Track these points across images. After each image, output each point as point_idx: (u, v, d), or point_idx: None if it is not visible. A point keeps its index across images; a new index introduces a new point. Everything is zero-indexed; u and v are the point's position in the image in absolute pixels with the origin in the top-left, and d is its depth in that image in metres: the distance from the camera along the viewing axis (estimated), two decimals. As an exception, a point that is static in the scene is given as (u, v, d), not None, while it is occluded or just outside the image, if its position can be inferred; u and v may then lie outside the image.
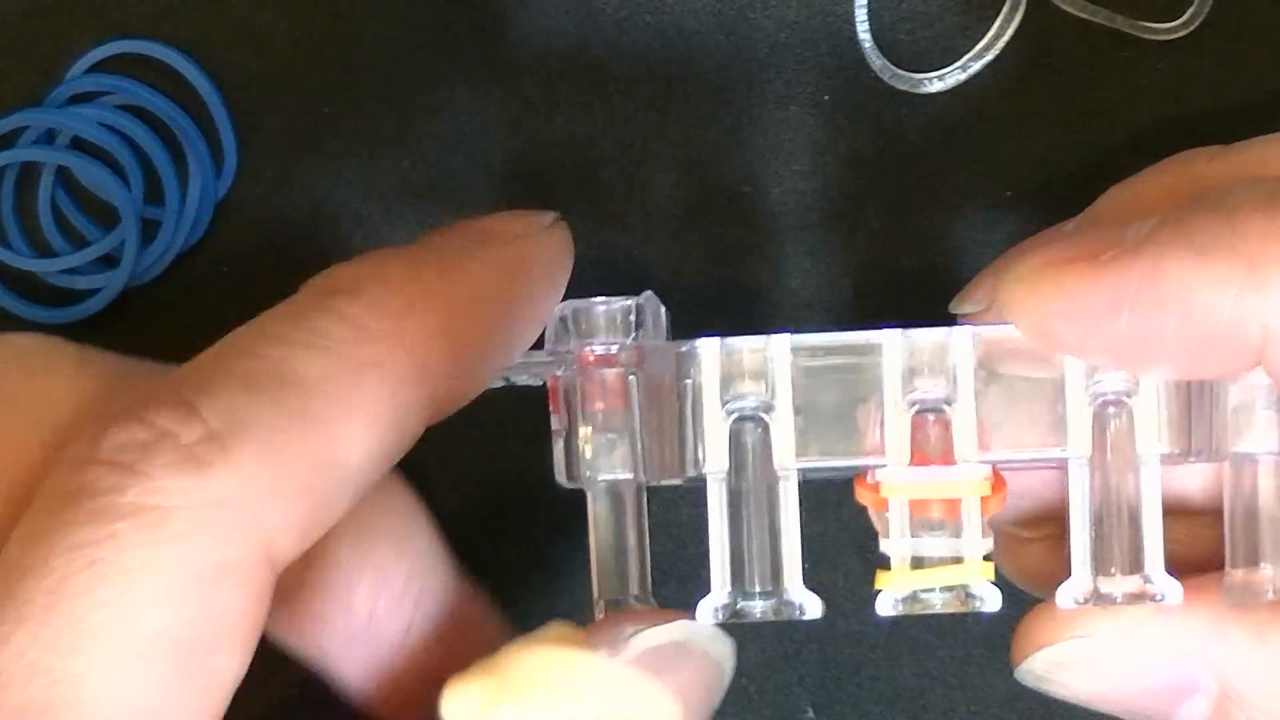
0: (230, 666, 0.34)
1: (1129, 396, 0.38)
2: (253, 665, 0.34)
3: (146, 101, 0.46)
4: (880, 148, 0.46)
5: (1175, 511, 0.40)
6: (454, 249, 0.38)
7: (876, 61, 0.46)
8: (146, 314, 0.47)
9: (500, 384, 0.41)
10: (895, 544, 0.38)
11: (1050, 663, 0.38)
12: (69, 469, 0.34)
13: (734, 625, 0.46)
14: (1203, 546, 0.40)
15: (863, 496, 0.39)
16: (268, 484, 0.34)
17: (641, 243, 0.46)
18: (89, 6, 0.46)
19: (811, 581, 0.43)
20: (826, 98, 0.46)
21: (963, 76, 0.46)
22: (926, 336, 0.38)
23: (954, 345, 0.38)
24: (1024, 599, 0.39)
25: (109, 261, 0.47)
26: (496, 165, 0.46)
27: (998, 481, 0.39)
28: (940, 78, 0.46)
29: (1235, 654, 0.37)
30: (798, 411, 0.38)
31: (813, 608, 0.38)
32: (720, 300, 0.46)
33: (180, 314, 0.47)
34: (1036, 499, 0.41)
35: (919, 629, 0.46)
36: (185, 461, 0.34)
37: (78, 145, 0.46)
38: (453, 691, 0.31)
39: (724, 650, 0.38)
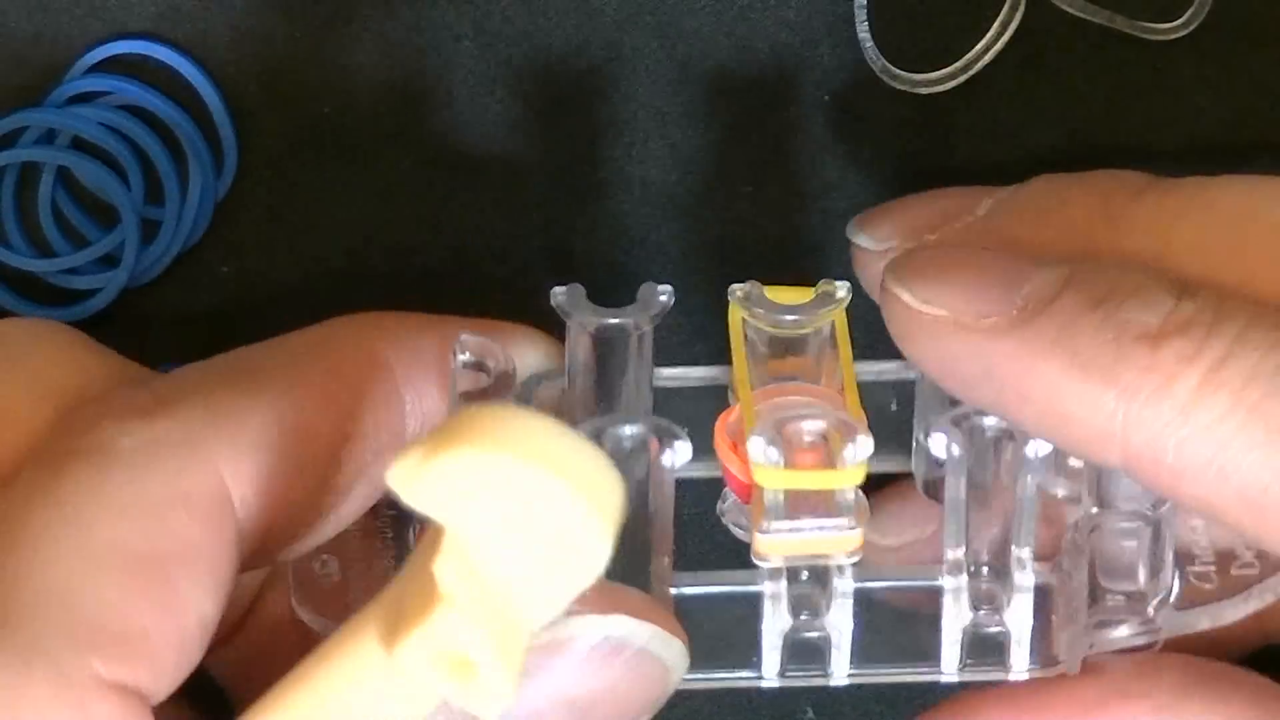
0: (196, 596, 0.35)
1: None
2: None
3: (146, 101, 0.46)
4: (880, 148, 0.46)
5: None
6: None
7: (876, 61, 0.46)
8: (146, 314, 0.47)
9: None
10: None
11: None
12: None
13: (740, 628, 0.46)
14: None
15: (727, 460, 0.38)
16: (212, 428, 0.36)
17: (641, 243, 0.46)
18: (89, 6, 0.46)
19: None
20: (826, 98, 0.46)
21: (963, 76, 0.46)
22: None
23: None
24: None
25: (109, 261, 0.47)
26: (496, 165, 0.46)
27: None
28: (940, 78, 0.46)
29: None
30: None
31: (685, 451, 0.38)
32: (721, 300, 0.46)
33: (180, 314, 0.47)
34: None
35: (919, 629, 0.46)
36: (133, 412, 0.36)
37: (78, 145, 0.46)
38: (398, 459, 0.31)
39: (670, 652, 0.37)
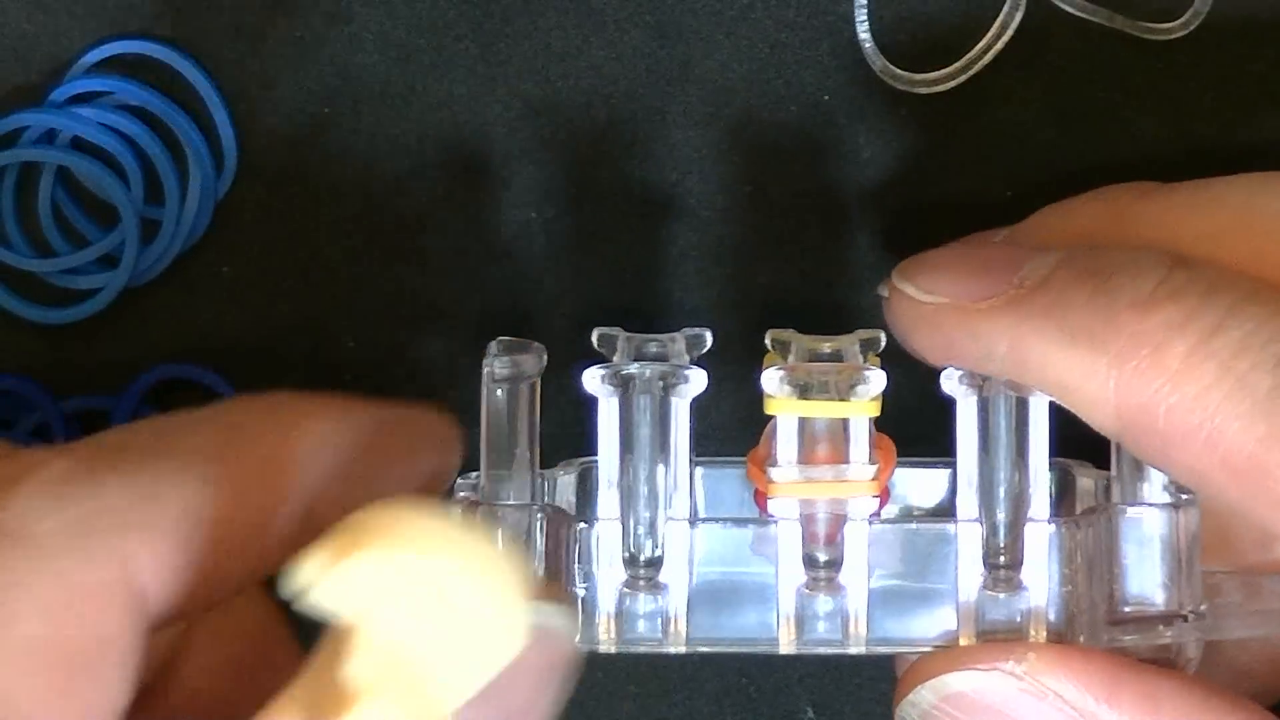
0: (107, 689, 0.34)
1: None
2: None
3: (146, 101, 0.46)
4: (880, 148, 0.46)
5: None
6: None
7: (876, 61, 0.46)
8: (146, 314, 0.47)
9: None
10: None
11: (941, 694, 0.38)
12: None
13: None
14: None
15: (756, 480, 0.39)
16: (130, 514, 0.34)
17: (641, 243, 0.46)
18: (89, 6, 0.46)
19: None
20: (826, 98, 0.46)
21: (963, 76, 0.46)
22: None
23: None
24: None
25: (109, 261, 0.47)
26: (496, 165, 0.46)
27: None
28: (940, 78, 0.46)
29: (1127, 714, 0.37)
30: None
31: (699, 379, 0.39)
32: (721, 301, 0.46)
33: (180, 314, 0.47)
34: None
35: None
36: (51, 486, 0.34)
37: (78, 145, 0.46)
38: (299, 561, 0.31)
39: (552, 616, 0.36)
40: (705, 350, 0.41)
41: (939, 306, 0.37)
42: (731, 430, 0.45)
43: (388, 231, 0.46)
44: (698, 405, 0.43)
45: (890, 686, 0.45)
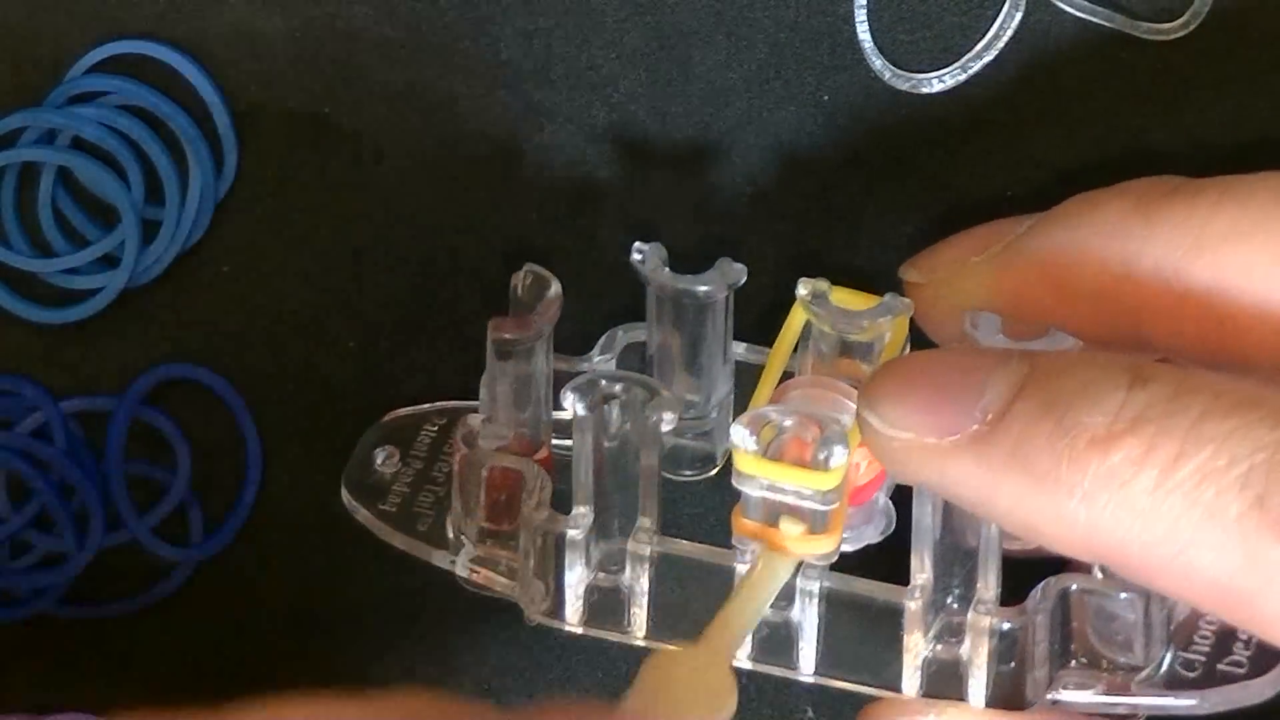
0: None
1: None
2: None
3: (146, 101, 0.46)
4: (880, 148, 0.46)
5: None
6: None
7: (876, 61, 0.46)
8: (146, 314, 0.47)
9: None
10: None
11: None
12: None
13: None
14: None
15: (739, 528, 0.39)
16: None
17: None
18: (89, 6, 0.46)
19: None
20: (826, 98, 0.46)
21: (963, 76, 0.46)
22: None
23: None
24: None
25: (109, 261, 0.47)
26: (496, 165, 0.46)
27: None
28: (940, 78, 0.46)
29: None
30: None
31: None
32: (720, 300, 0.46)
33: (180, 314, 0.47)
34: None
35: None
36: None
37: (78, 145, 0.46)
38: None
39: None
40: (740, 282, 0.41)
41: (905, 443, 0.37)
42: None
43: (387, 231, 0.46)
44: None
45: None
